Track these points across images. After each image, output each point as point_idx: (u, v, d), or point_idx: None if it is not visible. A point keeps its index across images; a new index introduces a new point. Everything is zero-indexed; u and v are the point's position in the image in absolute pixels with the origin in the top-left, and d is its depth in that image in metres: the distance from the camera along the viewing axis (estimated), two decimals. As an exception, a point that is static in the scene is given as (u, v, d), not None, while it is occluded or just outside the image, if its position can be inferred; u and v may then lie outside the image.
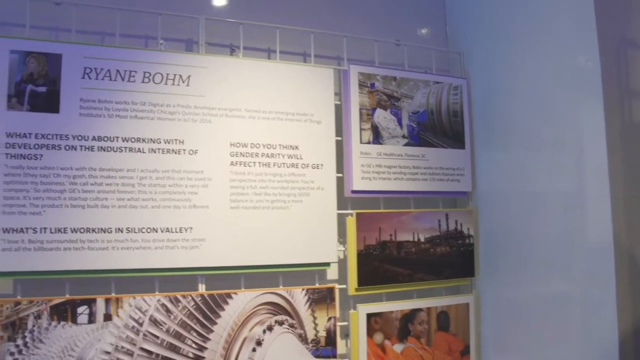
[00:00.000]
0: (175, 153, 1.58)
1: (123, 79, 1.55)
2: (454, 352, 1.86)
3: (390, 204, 1.82)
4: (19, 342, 1.43)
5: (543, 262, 1.70)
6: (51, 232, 1.46)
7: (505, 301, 1.83)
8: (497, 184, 1.86)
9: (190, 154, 1.59)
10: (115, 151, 1.53)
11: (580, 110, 1.59)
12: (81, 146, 1.50)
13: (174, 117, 1.58)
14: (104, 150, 1.52)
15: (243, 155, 1.64)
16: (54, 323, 1.46)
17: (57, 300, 1.47)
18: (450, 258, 1.86)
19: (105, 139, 1.52)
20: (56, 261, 1.45)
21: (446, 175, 1.88)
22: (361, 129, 1.75)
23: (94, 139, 1.51)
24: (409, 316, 1.79)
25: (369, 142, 1.76)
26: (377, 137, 1.77)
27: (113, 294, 1.51)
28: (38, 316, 1.46)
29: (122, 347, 1.50)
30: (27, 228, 1.44)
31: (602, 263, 1.55)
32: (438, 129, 1.87)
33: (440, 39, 2.11)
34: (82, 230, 1.48)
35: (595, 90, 1.50)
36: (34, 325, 1.45)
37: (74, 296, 1.48)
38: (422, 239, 1.81)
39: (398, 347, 1.76)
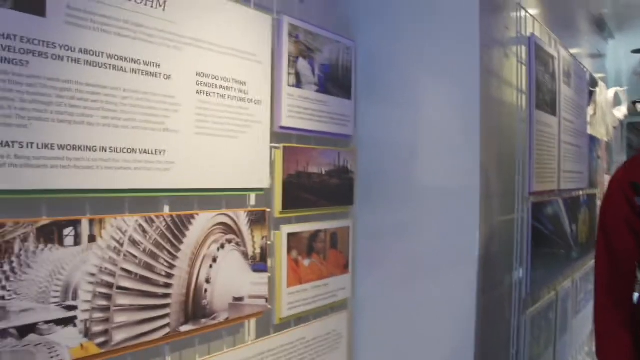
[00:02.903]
0: (153, 76, 1.58)
1: (107, -9, 1.47)
2: (340, 265, 2.27)
3: (300, 141, 2.11)
4: (6, 267, 1.30)
5: (409, 197, 2.24)
6: (38, 148, 1.34)
7: (375, 226, 2.33)
8: (374, 132, 2.33)
9: (165, 79, 1.61)
10: (100, 67, 1.46)
11: (453, 73, 2.14)
12: (68, 57, 1.39)
13: (153, 40, 1.58)
14: (90, 65, 1.44)
15: (206, 85, 1.72)
16: (41, 246, 1.36)
17: (43, 221, 1.36)
18: (339, 189, 2.24)
19: (92, 52, 1.44)
20: (44, 179, 1.35)
21: (340, 120, 2.24)
22: (288, 74, 1.98)
23: (80, 51, 1.42)
24: (314, 236, 2.12)
25: (293, 86, 2.01)
26: (298, 82, 2.03)
27: (88, 215, 1.46)
28: (25, 239, 1.33)
29: (106, 269, 1.48)
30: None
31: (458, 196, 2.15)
32: (336, 81, 2.21)
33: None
34: (68, 148, 1.40)
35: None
36: (20, 249, 1.32)
37: (60, 217, 1.40)
38: (323, 172, 2.15)
39: (306, 262, 2.09)
